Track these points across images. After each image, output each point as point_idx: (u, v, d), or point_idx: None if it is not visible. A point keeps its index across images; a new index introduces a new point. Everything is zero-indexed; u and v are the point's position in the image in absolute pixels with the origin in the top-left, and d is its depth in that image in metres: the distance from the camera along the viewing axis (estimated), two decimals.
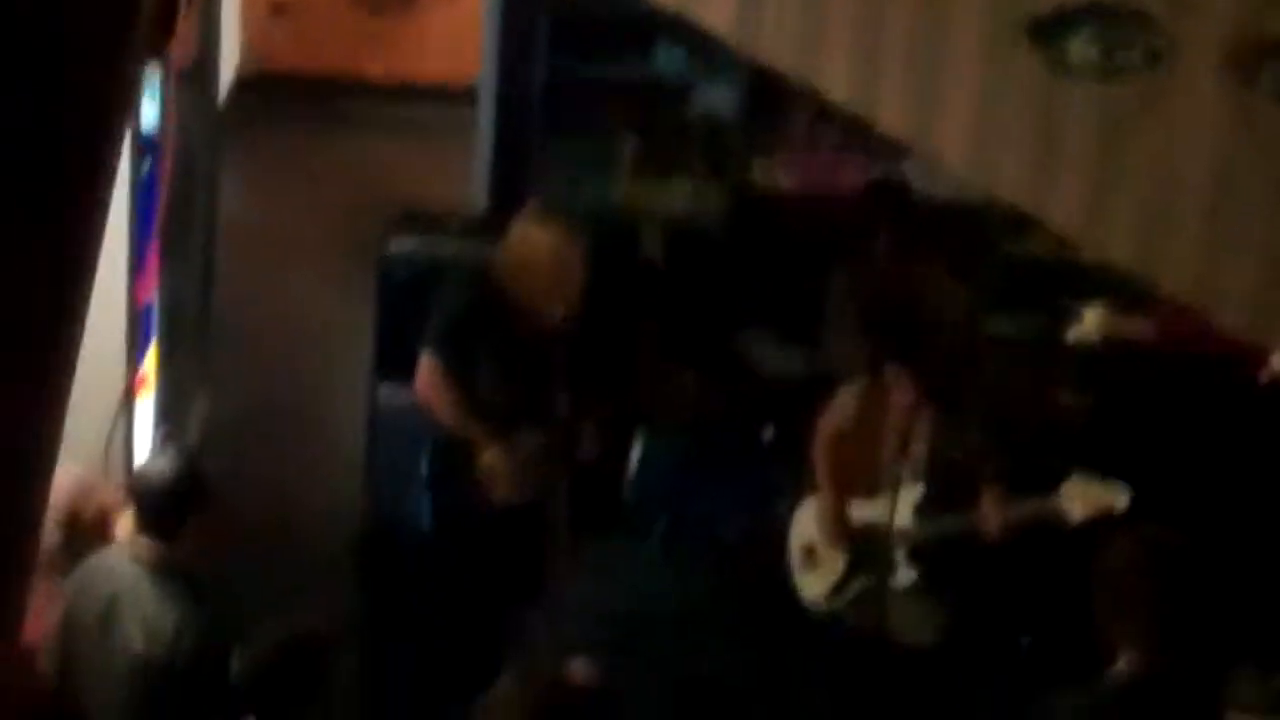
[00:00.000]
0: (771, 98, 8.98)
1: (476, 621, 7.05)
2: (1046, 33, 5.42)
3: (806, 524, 7.13)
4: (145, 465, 5.78)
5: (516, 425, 6.90)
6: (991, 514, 6.63)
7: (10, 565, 3.11)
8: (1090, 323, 9.05)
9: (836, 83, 5.68)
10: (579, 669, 5.09)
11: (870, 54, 5.58)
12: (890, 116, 5.69)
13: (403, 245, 8.05)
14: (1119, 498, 6.40)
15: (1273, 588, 7.76)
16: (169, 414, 7.20)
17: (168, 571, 5.40)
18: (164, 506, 5.42)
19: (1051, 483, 6.68)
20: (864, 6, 5.55)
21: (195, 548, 5.43)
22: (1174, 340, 8.66)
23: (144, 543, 5.44)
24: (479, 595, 7.05)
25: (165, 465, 5.52)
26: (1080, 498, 6.43)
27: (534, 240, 6.82)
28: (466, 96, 10.14)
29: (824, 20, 5.57)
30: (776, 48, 5.68)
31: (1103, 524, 6.37)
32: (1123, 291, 8.92)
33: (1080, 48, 5.42)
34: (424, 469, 7.07)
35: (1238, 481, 8.25)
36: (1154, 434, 8.28)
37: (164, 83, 6.17)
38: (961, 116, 5.59)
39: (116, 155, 3.12)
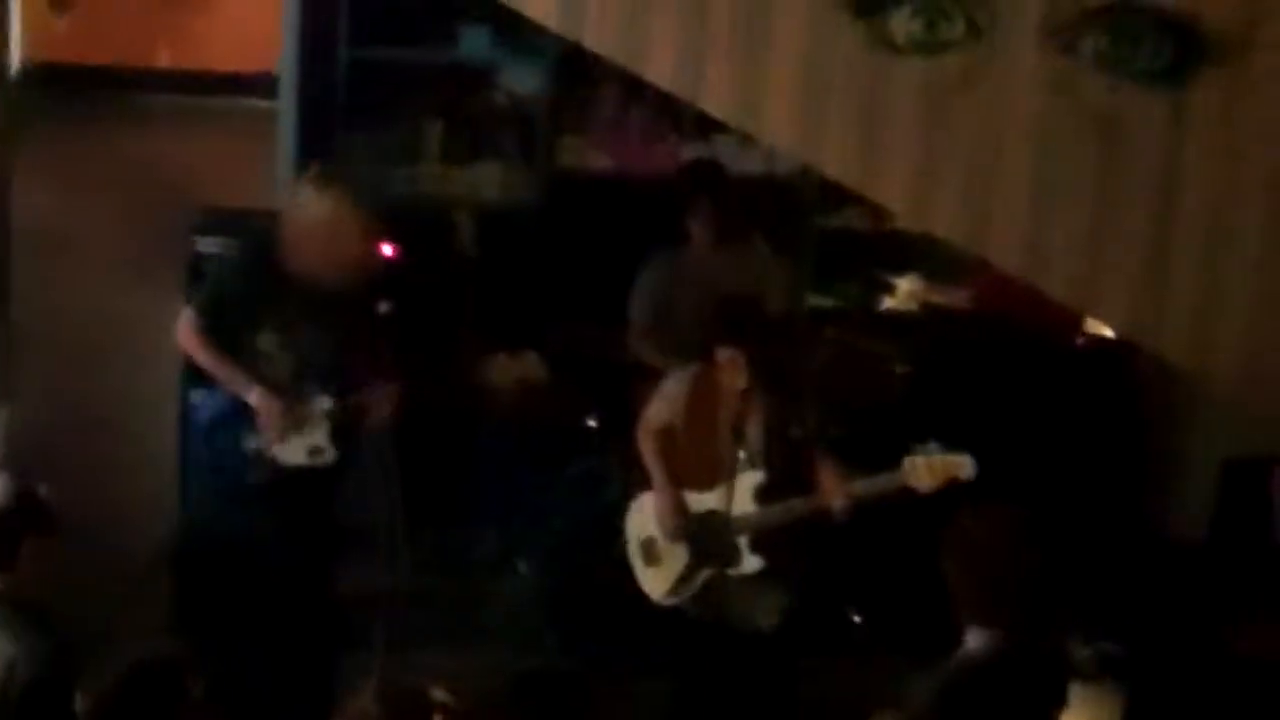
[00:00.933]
0: (578, 77, 8.87)
1: (301, 611, 6.97)
2: (869, 8, 5.39)
3: (643, 519, 7.03)
4: None
5: (298, 387, 6.86)
6: (832, 494, 6.59)
7: None
8: (904, 293, 9.08)
9: (661, 67, 5.62)
10: (438, 694, 4.99)
11: (695, 36, 5.53)
12: (715, 98, 5.64)
13: (209, 244, 7.87)
14: (965, 467, 6.38)
15: (1086, 554, 7.86)
16: None
17: (3, 602, 5.20)
18: None
19: (883, 456, 6.67)
20: None
21: (31, 574, 5.25)
22: (991, 307, 8.71)
23: None
24: (290, 563, 6.96)
25: None
26: (925, 469, 6.40)
27: (311, 206, 6.78)
28: (260, 85, 9.94)
29: (648, 3, 5.49)
30: (600, 33, 5.60)
31: (943, 499, 6.36)
32: (935, 262, 8.98)
33: (903, 22, 5.41)
34: (200, 423, 7.12)
35: (1055, 444, 8.33)
36: (975, 400, 8.33)
37: None
38: (787, 94, 5.56)
39: None
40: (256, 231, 7.02)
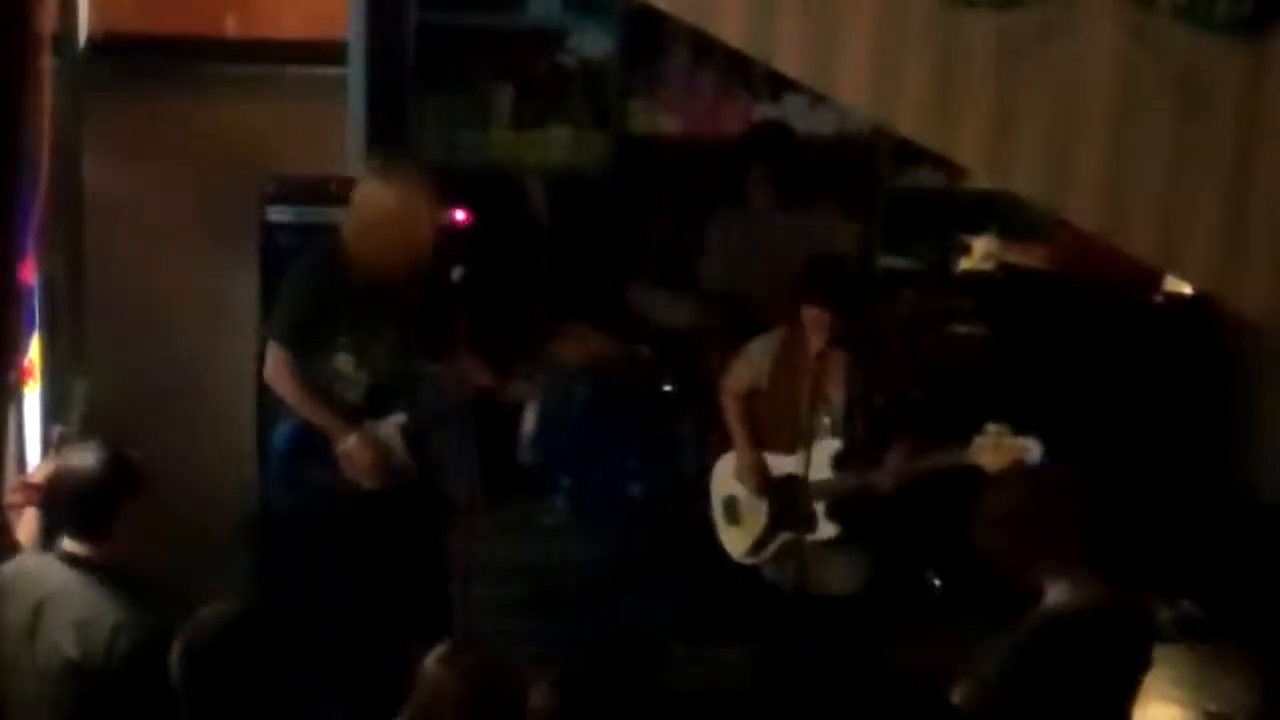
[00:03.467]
0: (648, 40, 8.82)
1: (374, 600, 6.91)
2: None
3: (725, 478, 7.02)
4: (64, 461, 5.52)
5: (379, 406, 6.75)
6: (892, 471, 6.58)
7: None
8: (980, 253, 9.01)
9: (731, 26, 5.57)
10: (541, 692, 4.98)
11: None
12: (787, 57, 5.58)
13: (282, 213, 7.84)
14: (1030, 450, 6.36)
15: (1167, 514, 7.80)
16: (55, 405, 6.97)
17: (101, 571, 5.23)
18: (93, 503, 5.23)
19: (965, 419, 6.62)
20: None
21: (131, 540, 5.27)
22: (1067, 266, 8.63)
23: (73, 542, 5.26)
24: (366, 576, 6.89)
25: (88, 459, 5.31)
26: (993, 450, 6.38)
27: (377, 199, 6.61)
28: (330, 53, 9.91)
29: None
30: None
31: None
32: (1011, 220, 8.90)
33: None
34: (277, 453, 6.93)
35: (1135, 404, 8.27)
36: (1054, 359, 8.28)
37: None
38: (860, 52, 5.49)
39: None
40: (320, 249, 6.84)
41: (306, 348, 6.69)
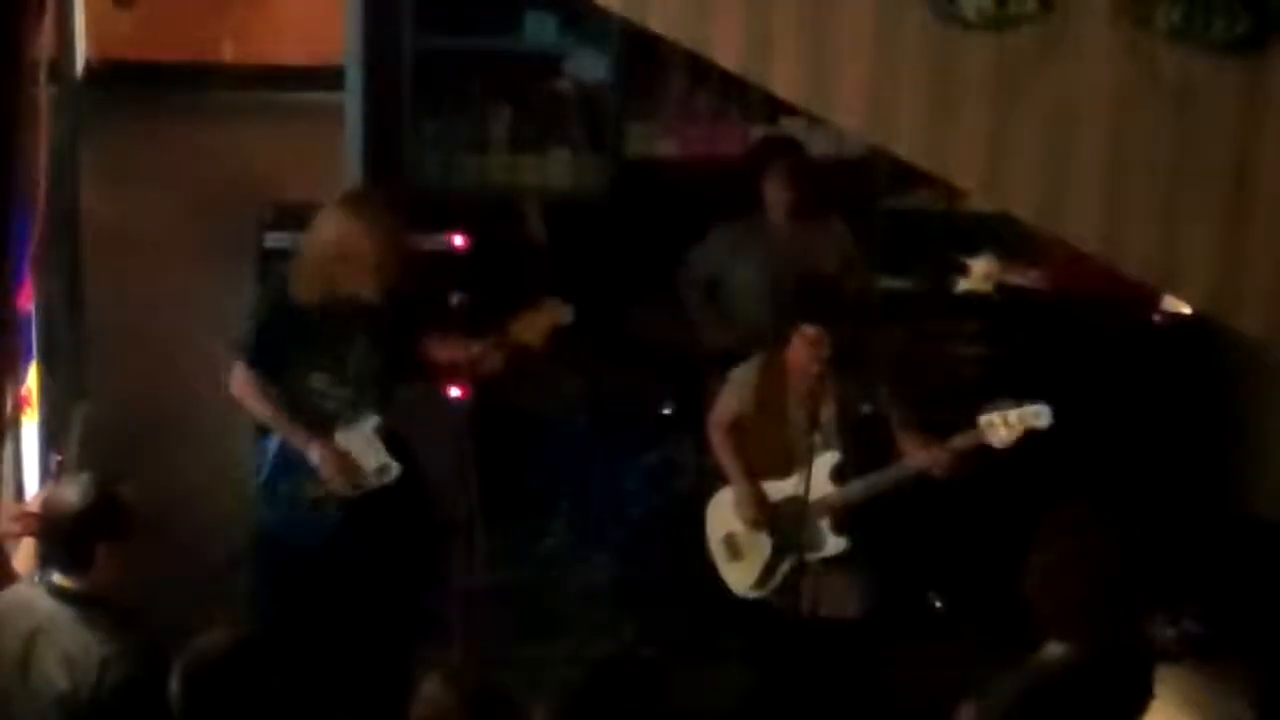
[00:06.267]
0: (645, 64, 8.82)
1: (372, 619, 6.93)
2: None
3: (722, 515, 7.00)
4: (53, 492, 5.53)
5: (353, 415, 6.80)
6: (920, 455, 6.54)
7: None
8: (979, 274, 9.00)
9: (728, 49, 5.58)
10: None
11: (761, 18, 5.49)
12: (784, 79, 5.60)
13: (278, 240, 7.84)
14: (1041, 416, 6.31)
15: (1169, 533, 7.76)
16: (54, 432, 6.96)
17: (88, 603, 5.22)
18: (72, 536, 5.22)
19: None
20: None
21: (115, 575, 5.25)
22: (1066, 286, 8.63)
23: (59, 574, 5.26)
24: (364, 587, 6.91)
25: (73, 493, 5.30)
26: (1002, 424, 6.34)
27: (337, 229, 6.65)
28: (326, 78, 9.92)
29: None
30: (665, 16, 5.56)
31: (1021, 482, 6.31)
32: (1009, 241, 8.90)
33: None
34: (263, 469, 6.94)
35: (1135, 423, 8.26)
36: (1053, 380, 8.25)
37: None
38: (857, 75, 5.51)
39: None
40: (284, 273, 6.90)
41: (273, 366, 6.75)
